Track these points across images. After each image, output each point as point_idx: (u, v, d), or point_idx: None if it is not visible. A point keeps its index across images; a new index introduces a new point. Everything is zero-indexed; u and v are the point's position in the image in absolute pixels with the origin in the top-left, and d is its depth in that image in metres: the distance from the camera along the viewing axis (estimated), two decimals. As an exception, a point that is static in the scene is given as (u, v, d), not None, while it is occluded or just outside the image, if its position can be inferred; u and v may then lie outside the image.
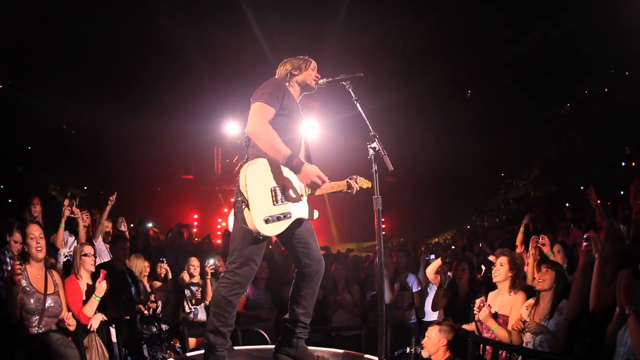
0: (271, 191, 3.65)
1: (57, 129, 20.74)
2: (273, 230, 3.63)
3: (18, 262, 4.85)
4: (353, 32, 16.95)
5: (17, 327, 4.82)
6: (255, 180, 3.59)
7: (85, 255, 5.84)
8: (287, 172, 3.75)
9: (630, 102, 17.14)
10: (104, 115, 18.99)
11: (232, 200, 3.84)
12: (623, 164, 19.31)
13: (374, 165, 3.57)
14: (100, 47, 16.45)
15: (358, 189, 4.23)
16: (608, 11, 14.54)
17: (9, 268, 5.95)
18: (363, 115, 3.71)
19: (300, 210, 3.85)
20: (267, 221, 3.55)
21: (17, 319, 4.80)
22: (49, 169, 20.10)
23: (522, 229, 8.12)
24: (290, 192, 3.76)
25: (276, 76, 4.20)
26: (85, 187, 22.70)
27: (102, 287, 5.50)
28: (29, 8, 14.07)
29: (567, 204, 14.58)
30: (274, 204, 3.63)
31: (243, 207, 3.54)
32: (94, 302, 5.49)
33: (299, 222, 3.89)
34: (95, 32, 15.83)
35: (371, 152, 3.57)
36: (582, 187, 15.26)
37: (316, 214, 4.01)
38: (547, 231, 7.91)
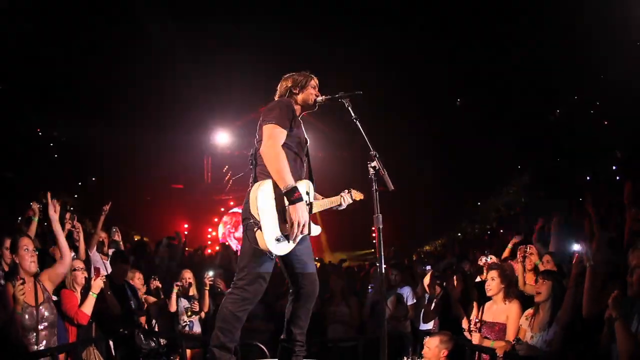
0: (280, 211, 3.70)
1: (47, 136, 20.58)
2: (284, 249, 3.70)
3: (20, 281, 4.73)
4: (343, 47, 17.03)
5: (16, 346, 4.68)
6: (265, 201, 3.66)
7: (75, 270, 5.77)
8: None
9: (621, 105, 17.26)
10: (94, 124, 18.88)
11: (235, 219, 3.86)
12: (614, 167, 19.43)
13: (374, 184, 3.58)
14: (89, 57, 16.37)
15: (350, 202, 4.35)
16: (598, 17, 14.67)
17: (2, 282, 5.93)
18: (363, 134, 3.73)
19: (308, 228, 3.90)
20: (278, 240, 3.63)
21: (19, 337, 4.70)
22: (40, 176, 19.91)
23: (510, 245, 8.23)
24: None
25: (277, 91, 4.26)
26: (75, 195, 22.49)
27: (97, 284, 5.53)
28: (25, 18, 14.02)
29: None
30: (283, 224, 3.67)
31: (255, 228, 3.60)
32: (91, 299, 5.49)
33: (302, 239, 3.92)
34: (83, 43, 15.77)
35: (371, 171, 3.60)
36: (574, 191, 15.35)
37: (318, 229, 4.06)
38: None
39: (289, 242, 3.69)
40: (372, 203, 3.56)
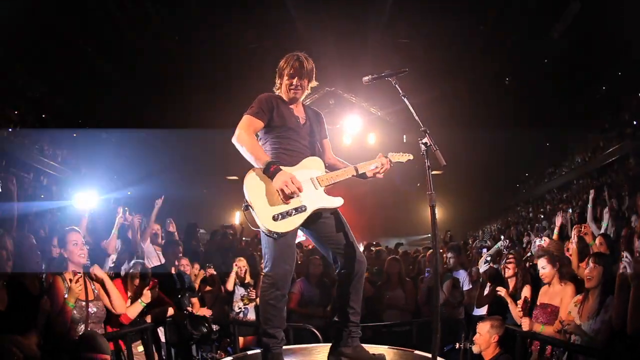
0: (269, 191, 3.60)
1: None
2: (285, 226, 3.56)
3: (78, 275, 4.75)
4: (390, 30, 16.71)
5: (62, 336, 4.61)
6: (256, 184, 3.61)
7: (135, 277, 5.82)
8: (291, 168, 3.73)
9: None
10: (146, 116, 19.19)
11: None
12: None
13: (426, 161, 3.45)
14: (146, 44, 16.33)
15: (387, 167, 4.09)
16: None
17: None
18: (412, 110, 3.60)
19: (316, 202, 3.75)
20: (275, 219, 3.51)
21: (68, 329, 4.68)
22: (91, 172, 20.42)
23: (556, 231, 7.98)
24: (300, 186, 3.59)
25: None
26: (129, 192, 23.02)
27: (148, 294, 5.49)
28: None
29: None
30: (282, 202, 3.55)
31: (251, 211, 3.55)
32: (138, 306, 5.46)
33: (322, 216, 3.86)
34: (137, 30, 15.68)
35: (423, 147, 3.46)
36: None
37: (339, 201, 3.86)
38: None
39: (287, 217, 3.56)
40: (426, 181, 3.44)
